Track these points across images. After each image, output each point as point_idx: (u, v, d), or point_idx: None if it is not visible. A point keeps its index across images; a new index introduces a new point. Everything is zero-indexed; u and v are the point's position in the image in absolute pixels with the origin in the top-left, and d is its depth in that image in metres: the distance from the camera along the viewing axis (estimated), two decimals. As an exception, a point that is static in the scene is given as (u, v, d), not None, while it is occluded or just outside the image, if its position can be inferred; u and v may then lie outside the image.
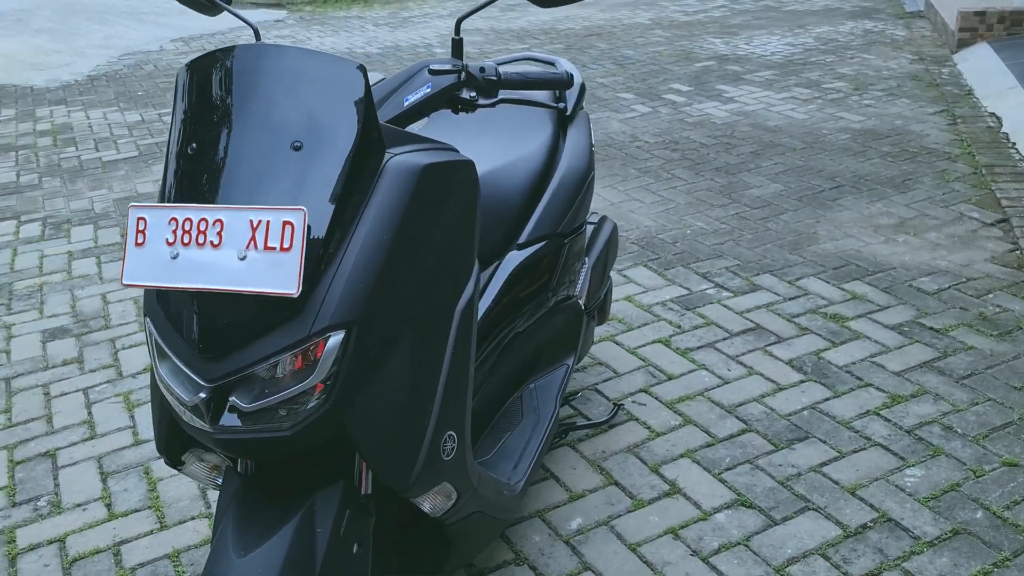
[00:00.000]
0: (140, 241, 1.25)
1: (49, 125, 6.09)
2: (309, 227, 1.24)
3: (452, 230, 1.46)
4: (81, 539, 2.20)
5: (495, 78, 1.58)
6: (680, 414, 2.57)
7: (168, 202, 1.30)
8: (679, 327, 3.05)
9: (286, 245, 1.20)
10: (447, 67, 1.53)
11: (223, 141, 1.28)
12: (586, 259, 2.38)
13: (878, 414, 2.52)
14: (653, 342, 2.96)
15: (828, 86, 5.95)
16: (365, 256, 1.28)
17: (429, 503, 1.50)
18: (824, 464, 2.33)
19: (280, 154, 1.27)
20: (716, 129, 5.19)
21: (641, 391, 2.69)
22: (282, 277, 1.20)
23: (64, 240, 4.09)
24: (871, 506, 2.17)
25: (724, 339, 2.96)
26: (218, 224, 1.22)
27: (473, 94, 1.58)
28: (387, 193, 1.32)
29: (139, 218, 1.26)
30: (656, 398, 2.65)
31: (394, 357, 1.33)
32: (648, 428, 2.52)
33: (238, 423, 1.26)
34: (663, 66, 6.78)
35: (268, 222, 1.21)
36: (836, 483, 2.25)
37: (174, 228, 1.23)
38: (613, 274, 3.43)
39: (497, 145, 2.16)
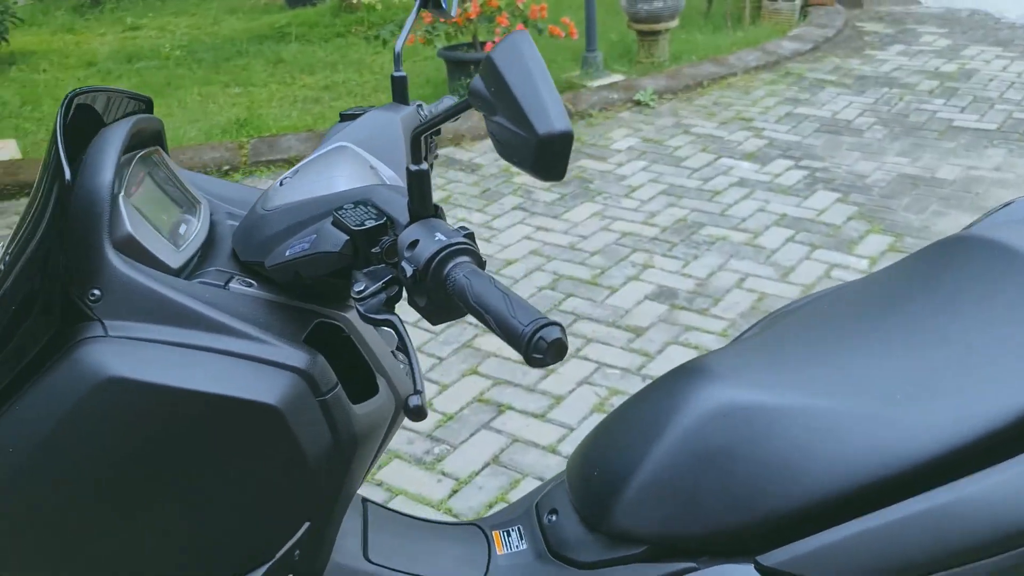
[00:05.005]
0: None
1: (952, 66, 5.19)
2: None
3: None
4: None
5: (418, 269, 0.70)
6: None
7: None
8: None
9: None
10: (359, 218, 0.75)
11: None
12: None
13: None
14: None
15: None
16: None
17: None
18: None
19: None
20: None
21: None
22: None
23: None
24: None
25: None
26: None
27: (370, 285, 0.75)
28: (41, 398, 0.81)
29: None
30: None
31: None
32: None
33: None
34: None
35: None
36: None
37: None
38: None
39: (947, 352, 1.03)
